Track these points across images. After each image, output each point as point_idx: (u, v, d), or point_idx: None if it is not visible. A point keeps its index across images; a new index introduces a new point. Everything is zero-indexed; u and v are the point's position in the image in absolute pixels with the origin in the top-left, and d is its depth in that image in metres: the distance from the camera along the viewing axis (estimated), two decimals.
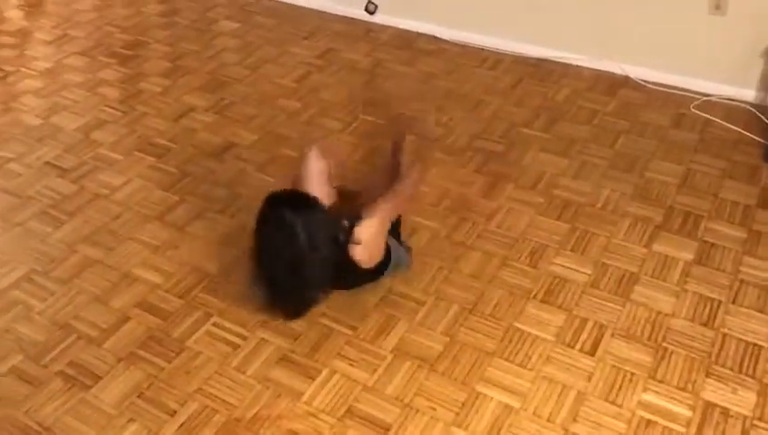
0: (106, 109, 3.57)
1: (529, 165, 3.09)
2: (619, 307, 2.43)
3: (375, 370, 2.24)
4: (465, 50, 3.98)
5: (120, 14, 4.52)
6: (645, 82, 3.60)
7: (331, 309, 2.44)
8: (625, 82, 3.64)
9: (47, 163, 3.20)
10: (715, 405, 2.11)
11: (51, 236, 2.79)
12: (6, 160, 3.22)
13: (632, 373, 2.20)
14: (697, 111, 3.39)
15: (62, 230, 2.82)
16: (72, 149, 3.28)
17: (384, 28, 4.23)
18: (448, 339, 2.33)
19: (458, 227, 2.77)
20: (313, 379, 2.21)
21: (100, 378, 2.23)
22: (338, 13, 4.38)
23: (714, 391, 2.14)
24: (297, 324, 2.39)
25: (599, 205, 2.87)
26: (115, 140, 3.33)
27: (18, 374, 2.25)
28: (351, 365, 2.25)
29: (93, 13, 4.55)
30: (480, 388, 2.17)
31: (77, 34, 4.30)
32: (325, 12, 4.42)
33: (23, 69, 3.95)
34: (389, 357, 2.27)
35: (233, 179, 3.05)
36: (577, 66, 3.76)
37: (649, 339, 2.31)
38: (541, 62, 3.82)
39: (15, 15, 4.64)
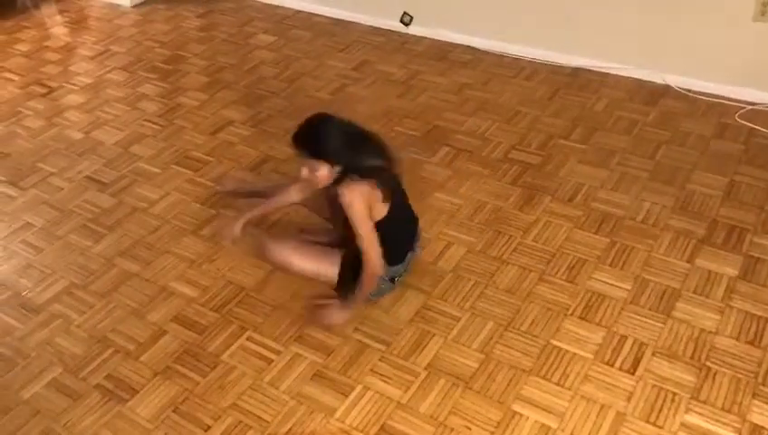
0: (145, 123, 3.63)
1: (566, 177, 3.04)
2: (660, 324, 2.36)
3: (409, 387, 2.21)
4: (500, 60, 3.94)
5: (160, 29, 4.61)
6: (687, 91, 3.51)
7: (364, 324, 2.43)
8: (666, 91, 3.55)
9: (88, 177, 3.26)
10: (763, 428, 2.03)
11: (90, 250, 2.84)
12: (49, 174, 3.29)
13: (674, 393, 2.14)
14: (742, 121, 3.30)
15: (101, 244, 2.86)
16: (111, 163, 3.34)
17: (419, 39, 4.22)
18: (484, 356, 2.29)
19: (494, 241, 2.73)
20: (347, 395, 2.20)
21: (137, 392, 2.25)
22: (373, 25, 4.39)
23: (761, 414, 2.06)
24: (331, 339, 2.38)
25: (639, 218, 2.80)
26: (153, 154, 3.38)
27: (57, 387, 2.28)
28: (385, 382, 2.23)
29: (134, 28, 4.64)
30: (516, 407, 2.13)
31: (118, 50, 4.39)
32: (361, 24, 4.43)
33: (66, 84, 4.05)
34: (423, 374, 2.25)
35: None
36: (615, 75, 3.69)
37: (692, 358, 2.24)
38: (578, 72, 3.76)
39: (60, 32, 4.76)
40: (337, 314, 2.41)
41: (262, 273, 2.67)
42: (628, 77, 3.67)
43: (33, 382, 2.30)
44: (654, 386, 2.16)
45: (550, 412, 2.11)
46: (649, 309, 2.42)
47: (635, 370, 2.21)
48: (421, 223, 2.83)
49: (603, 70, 3.72)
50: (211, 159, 3.33)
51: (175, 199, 3.08)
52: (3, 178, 3.29)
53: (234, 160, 3.30)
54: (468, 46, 4.07)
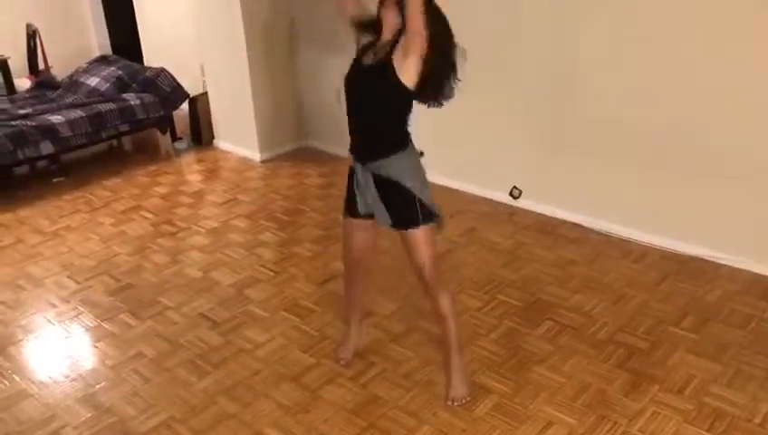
0: (260, 268, 3.84)
1: (676, 366, 2.92)
2: None
3: None
4: (608, 240, 3.96)
5: (284, 183, 4.98)
6: None
7: None
8: None
9: (201, 314, 3.44)
10: None
11: (194, 386, 2.93)
12: (167, 308, 3.50)
13: None
14: None
15: (205, 380, 2.96)
16: (224, 303, 3.52)
17: (527, 213, 4.34)
18: None
19: (597, 426, 2.61)
20: None
21: None
22: (483, 195, 4.56)
23: None
24: None
25: (756, 420, 2.61)
26: (264, 299, 3.54)
27: None
28: None
29: (261, 181, 5.05)
30: None
31: (244, 199, 4.76)
32: (471, 194, 4.61)
33: (194, 226, 4.39)
34: None
35: (368, 348, 3.11)
36: (730, 267, 3.61)
37: None
38: (690, 260, 3.70)
39: (195, 179, 5.25)
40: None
41: (353, 430, 2.65)
42: (743, 270, 3.57)
43: None
44: None
45: None
46: None
47: None
48: (520, 397, 2.79)
49: (717, 260, 3.65)
50: (317, 308, 3.44)
51: (279, 344, 3.18)
52: (125, 307, 3.52)
53: (337, 312, 3.39)
54: (576, 223, 4.13)
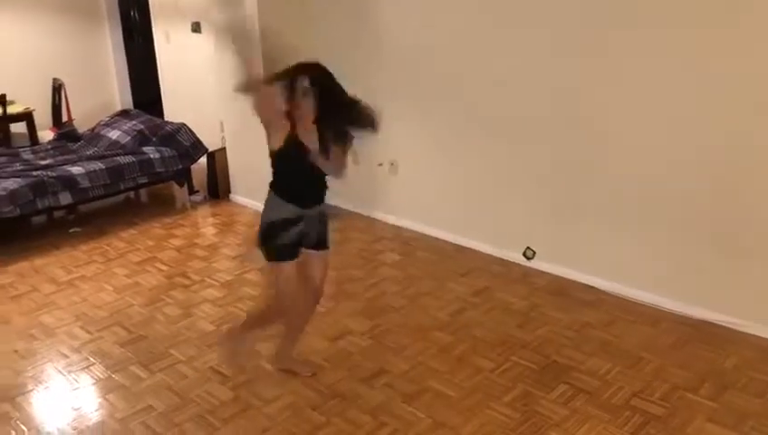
0: None
1: None
2: None
3: None
4: (623, 303, 3.93)
5: None
6: None
7: None
8: None
9: (212, 368, 3.41)
10: None
11: None
12: (177, 361, 3.48)
13: None
14: None
15: None
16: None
17: (541, 274, 4.32)
18: None
19: None
20: None
21: None
22: (496, 255, 4.56)
23: None
24: None
25: None
26: (275, 354, 3.51)
27: None
28: None
29: None
30: None
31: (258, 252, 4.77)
32: (485, 253, 4.62)
33: (207, 279, 4.40)
34: None
35: (379, 407, 3.07)
36: (745, 333, 3.56)
37: None
38: (704, 325, 3.66)
39: (210, 232, 5.29)
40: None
41: None
42: (760, 336, 3.53)
43: None
44: None
45: None
46: None
47: None
48: None
49: (732, 326, 3.61)
50: (328, 364, 3.41)
51: (289, 401, 3.14)
52: (135, 359, 3.51)
53: (348, 369, 3.36)
54: (590, 286, 4.11)
